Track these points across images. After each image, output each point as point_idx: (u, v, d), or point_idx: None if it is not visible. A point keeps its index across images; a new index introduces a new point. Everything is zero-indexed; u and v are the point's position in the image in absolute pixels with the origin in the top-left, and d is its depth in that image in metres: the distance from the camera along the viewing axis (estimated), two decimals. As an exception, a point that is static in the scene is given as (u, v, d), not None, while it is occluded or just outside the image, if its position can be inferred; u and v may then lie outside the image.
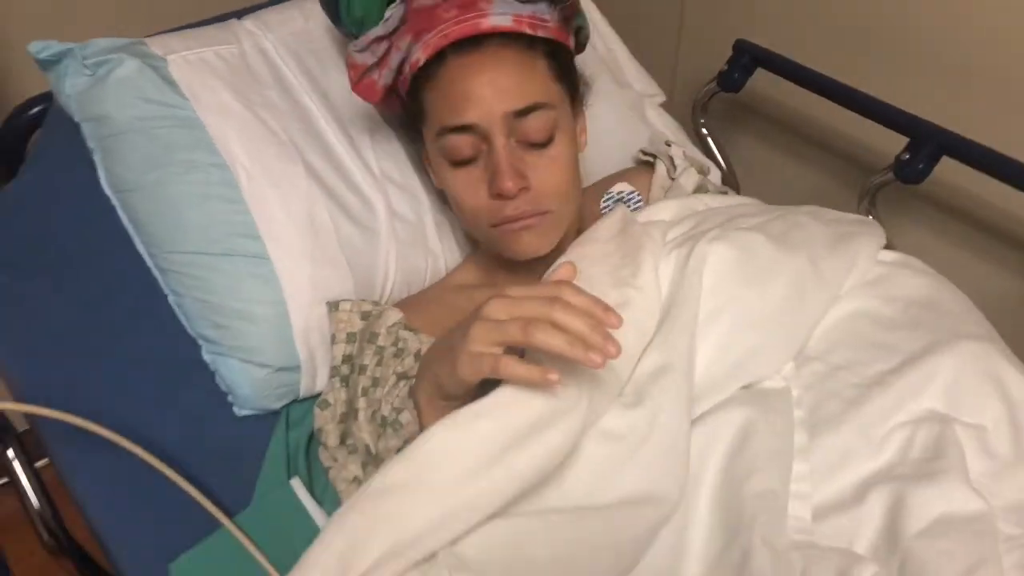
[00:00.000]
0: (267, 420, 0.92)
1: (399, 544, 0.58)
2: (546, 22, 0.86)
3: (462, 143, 0.84)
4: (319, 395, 0.93)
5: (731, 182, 1.41)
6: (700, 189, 1.04)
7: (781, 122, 1.51)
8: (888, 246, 1.19)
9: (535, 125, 0.83)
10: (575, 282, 0.71)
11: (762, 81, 1.36)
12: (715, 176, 1.23)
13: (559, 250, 0.86)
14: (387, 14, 0.88)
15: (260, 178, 0.94)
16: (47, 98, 1.08)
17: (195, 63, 0.99)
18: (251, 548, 0.77)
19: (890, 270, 0.85)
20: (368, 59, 0.89)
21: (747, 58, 1.32)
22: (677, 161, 1.04)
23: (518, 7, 0.84)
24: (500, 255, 0.91)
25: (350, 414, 0.87)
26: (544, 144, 0.84)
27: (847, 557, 0.67)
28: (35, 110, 1.11)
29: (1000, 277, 1.26)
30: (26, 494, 0.92)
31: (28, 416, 0.92)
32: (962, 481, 0.69)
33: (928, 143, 1.12)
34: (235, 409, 0.93)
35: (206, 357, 0.93)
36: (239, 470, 0.87)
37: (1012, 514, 0.69)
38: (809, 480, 0.72)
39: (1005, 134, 1.09)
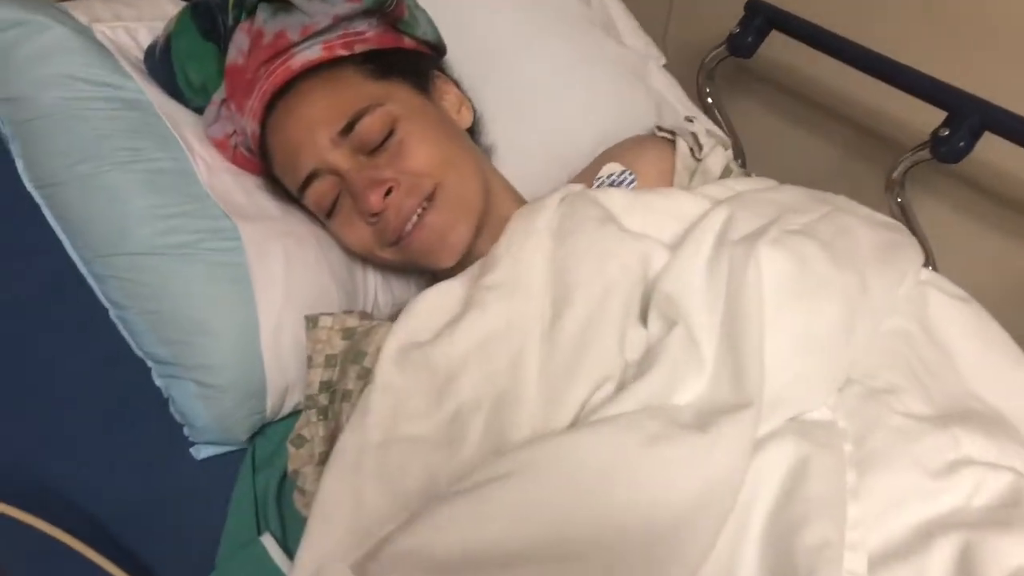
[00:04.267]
0: (231, 460, 0.82)
1: None
2: (363, 34, 0.84)
3: (320, 192, 0.82)
4: (289, 419, 0.83)
5: (738, 158, 1.32)
6: (726, 172, 0.96)
7: (794, 91, 1.43)
8: (917, 229, 1.15)
9: (366, 130, 0.80)
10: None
11: (773, 44, 1.27)
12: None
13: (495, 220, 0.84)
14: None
15: (220, 168, 0.85)
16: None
17: (128, 36, 0.88)
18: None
19: (927, 292, 0.82)
20: (227, 127, 0.86)
21: (760, 19, 1.23)
22: (702, 139, 0.96)
23: (327, 34, 0.82)
24: (433, 271, 0.85)
25: None
26: (387, 139, 0.80)
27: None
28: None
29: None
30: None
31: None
32: None
33: (969, 118, 1.04)
34: (193, 450, 0.82)
35: (157, 382, 0.82)
36: (199, 525, 0.78)
37: None
38: (862, 526, 0.67)
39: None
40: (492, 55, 1.01)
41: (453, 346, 0.73)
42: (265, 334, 0.80)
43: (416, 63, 0.88)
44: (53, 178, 0.81)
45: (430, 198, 0.80)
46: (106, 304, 0.82)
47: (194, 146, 0.84)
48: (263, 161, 0.86)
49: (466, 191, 0.82)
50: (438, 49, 0.93)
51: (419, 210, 0.80)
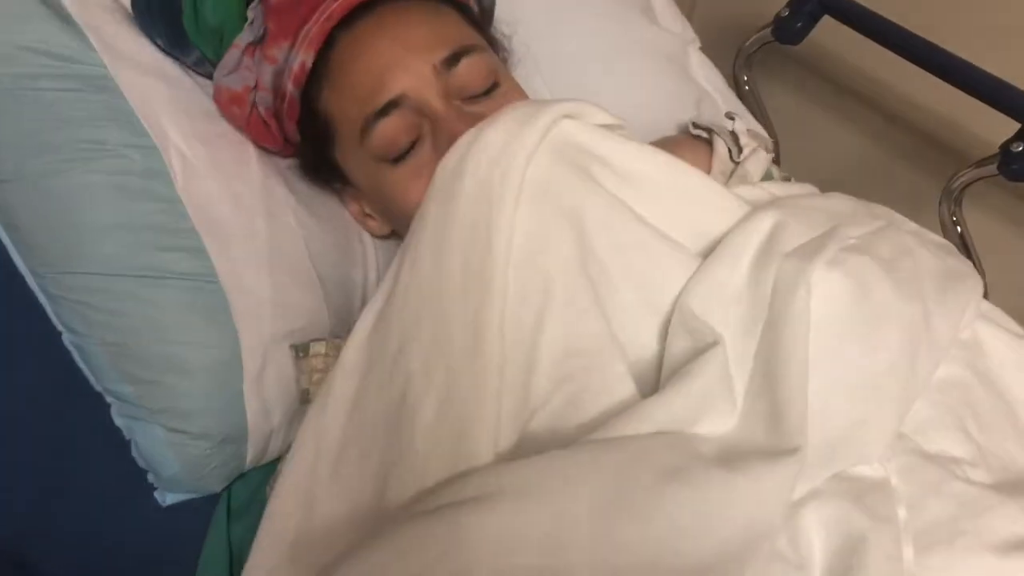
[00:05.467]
0: (203, 506, 0.72)
1: None
2: None
3: (395, 127, 0.69)
4: (272, 465, 0.73)
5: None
6: (766, 177, 0.86)
7: (840, 83, 1.31)
8: (971, 251, 1.05)
9: (471, 71, 0.70)
10: None
11: (821, 29, 1.15)
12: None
13: None
14: (250, 15, 0.72)
15: (201, 166, 0.72)
16: None
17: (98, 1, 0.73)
18: None
19: (983, 330, 0.73)
20: (248, 79, 0.72)
21: (813, 3, 1.10)
22: (743, 140, 0.86)
23: None
24: None
25: None
26: (489, 90, 0.71)
27: None
28: None
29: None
30: None
31: None
32: None
33: (1048, 133, 0.93)
34: (157, 494, 0.72)
35: (118, 421, 0.71)
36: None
37: None
38: None
39: None
40: (519, 34, 0.89)
41: (407, 303, 0.62)
42: (248, 373, 0.69)
43: (497, 44, 0.80)
44: (-1, 173, 0.69)
45: None
46: (59, 327, 0.70)
47: (169, 135, 0.71)
48: (296, 112, 0.73)
49: None
50: (489, 16, 0.84)
51: None
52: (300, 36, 0.70)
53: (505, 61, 0.82)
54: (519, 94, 0.73)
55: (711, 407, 0.59)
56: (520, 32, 0.89)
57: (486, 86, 0.70)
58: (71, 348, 0.71)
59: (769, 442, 0.58)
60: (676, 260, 0.64)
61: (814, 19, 1.12)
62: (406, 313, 0.62)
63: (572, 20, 0.97)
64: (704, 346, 0.60)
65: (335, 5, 0.69)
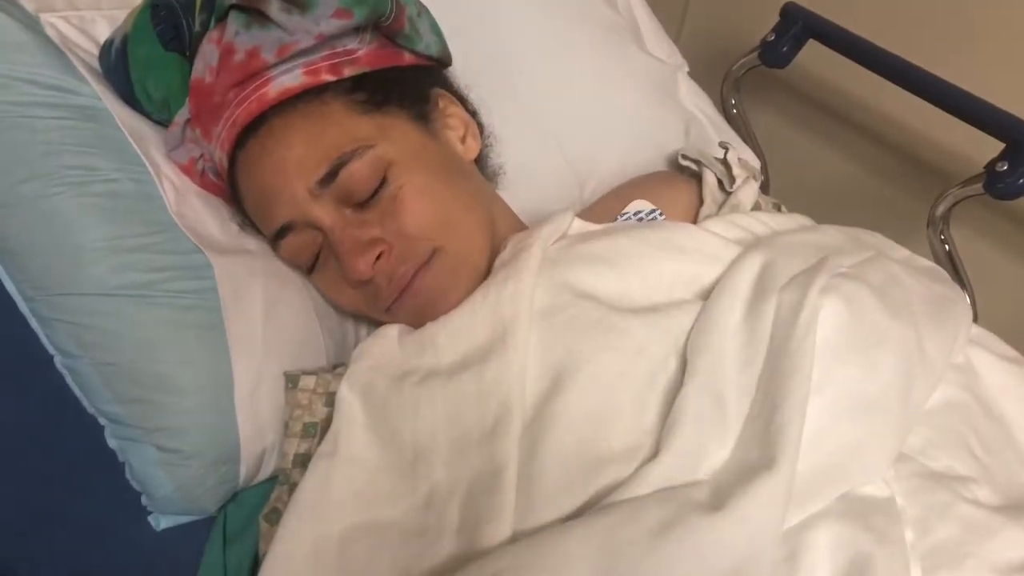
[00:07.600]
0: (197, 529, 0.72)
1: None
2: (353, 53, 0.73)
3: (296, 246, 0.73)
4: (267, 482, 0.74)
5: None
6: (755, 207, 0.87)
7: (827, 106, 1.34)
8: (960, 271, 1.07)
9: (352, 180, 0.70)
10: None
11: (807, 52, 1.18)
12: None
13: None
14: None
15: (192, 194, 0.75)
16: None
17: (83, 30, 0.76)
18: None
19: (976, 355, 0.76)
20: (193, 151, 0.76)
21: (798, 27, 1.14)
22: (735, 171, 0.87)
23: (311, 55, 0.71)
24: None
25: None
26: (378, 190, 0.70)
27: None
28: None
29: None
30: None
31: None
32: None
33: (1031, 152, 0.95)
34: (151, 519, 0.72)
35: (111, 443, 0.72)
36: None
37: None
38: None
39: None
40: (509, 64, 0.92)
41: (419, 419, 0.65)
42: (240, 391, 0.70)
43: (416, 84, 0.77)
44: (-8, 198, 0.70)
45: (426, 263, 0.71)
46: (52, 351, 0.71)
47: (160, 164, 0.74)
48: (233, 196, 0.76)
49: (469, 253, 0.72)
50: (442, 62, 0.83)
51: (415, 279, 0.71)
52: (213, 135, 0.73)
53: (432, 107, 0.79)
54: (416, 181, 0.71)
55: (703, 449, 0.61)
56: (504, 63, 0.91)
57: (371, 189, 0.70)
58: (64, 371, 0.71)
59: (763, 459, 0.59)
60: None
61: (799, 43, 1.15)
62: (421, 428, 0.64)
63: (563, 52, 0.99)
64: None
65: (236, 114, 0.71)
